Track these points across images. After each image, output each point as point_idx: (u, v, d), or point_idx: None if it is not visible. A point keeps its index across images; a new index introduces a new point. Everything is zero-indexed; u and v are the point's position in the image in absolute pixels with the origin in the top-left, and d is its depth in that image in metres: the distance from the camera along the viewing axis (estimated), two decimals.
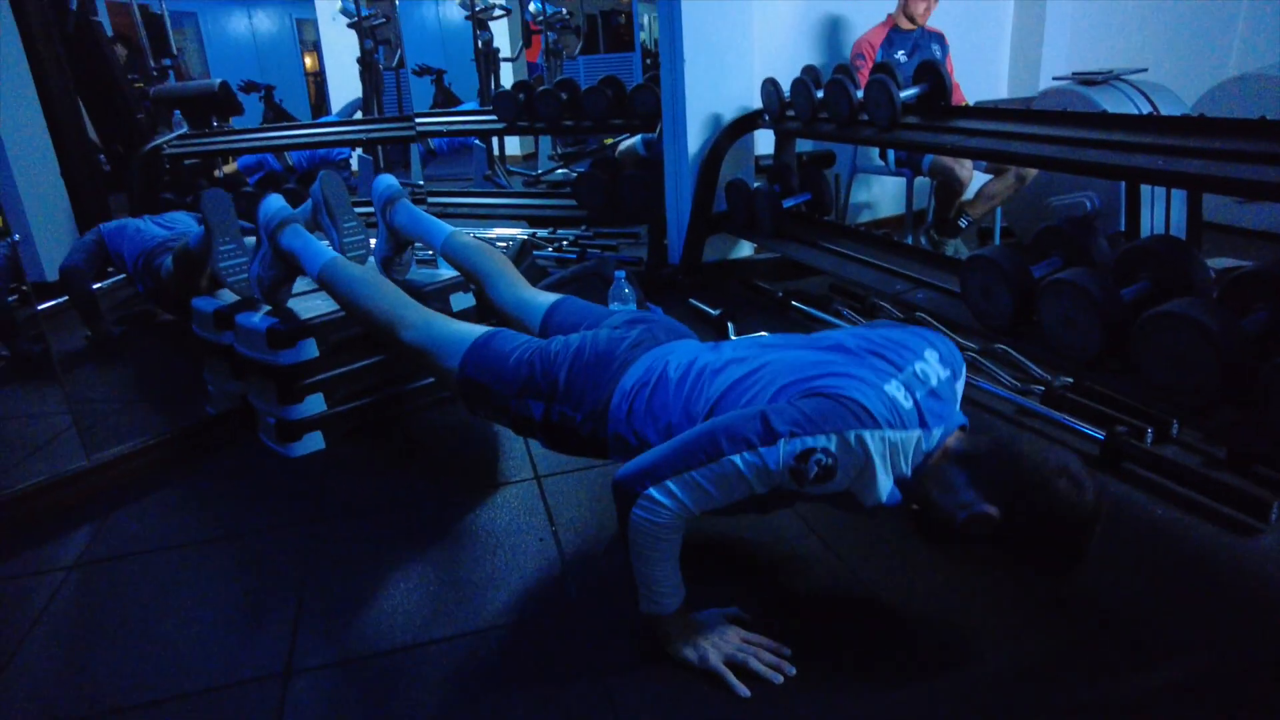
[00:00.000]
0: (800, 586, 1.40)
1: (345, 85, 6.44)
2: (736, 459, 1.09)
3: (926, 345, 1.27)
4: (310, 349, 1.93)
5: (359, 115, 5.70)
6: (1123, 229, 2.86)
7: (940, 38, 3.24)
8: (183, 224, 3.05)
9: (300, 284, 2.14)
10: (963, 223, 3.08)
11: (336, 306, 1.98)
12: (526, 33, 5.93)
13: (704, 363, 1.31)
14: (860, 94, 2.47)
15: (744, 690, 1.15)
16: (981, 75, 3.58)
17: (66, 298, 3.12)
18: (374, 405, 2.07)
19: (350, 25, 4.56)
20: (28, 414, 2.37)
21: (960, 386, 1.30)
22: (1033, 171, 3.03)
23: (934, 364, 1.23)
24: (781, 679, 1.17)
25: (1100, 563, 1.40)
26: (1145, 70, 3.15)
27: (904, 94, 2.33)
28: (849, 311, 2.61)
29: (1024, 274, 1.77)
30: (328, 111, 7.66)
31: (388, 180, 2.12)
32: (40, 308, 3.38)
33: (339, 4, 4.87)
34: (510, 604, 1.38)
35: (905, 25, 3.15)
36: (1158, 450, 1.70)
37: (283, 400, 1.94)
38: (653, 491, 1.11)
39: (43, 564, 1.57)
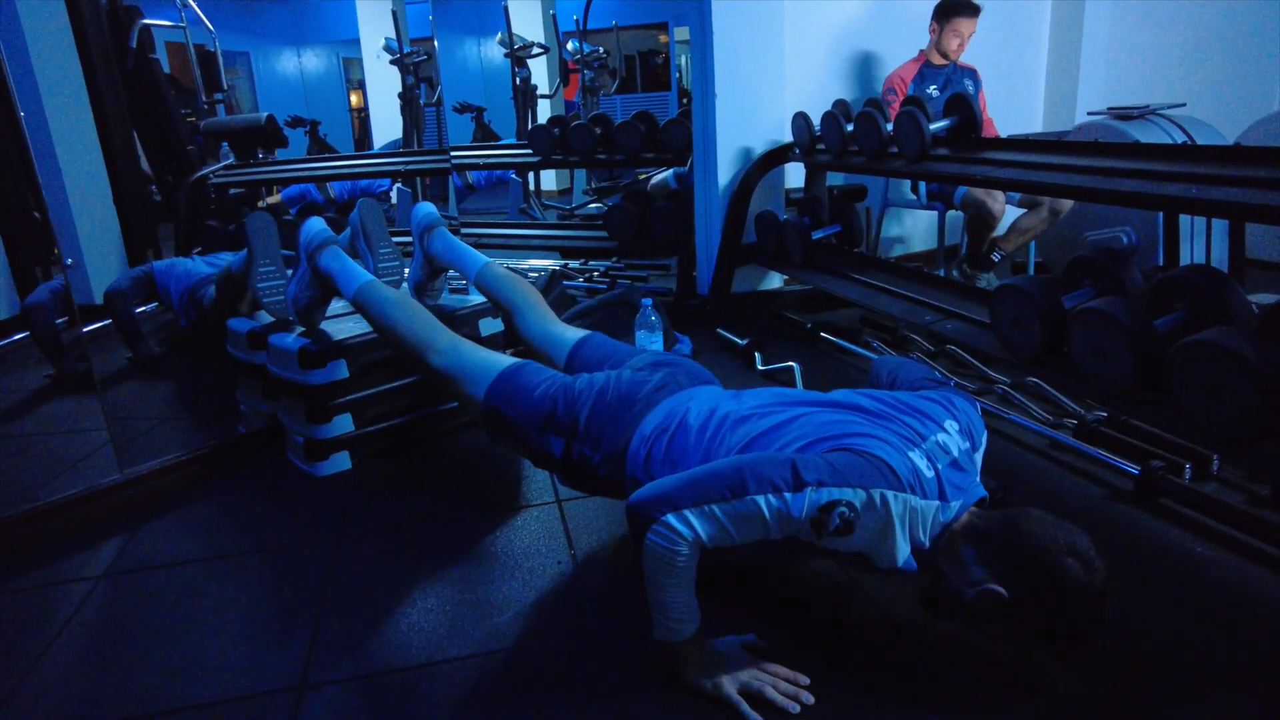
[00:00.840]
0: (821, 615, 1.37)
1: (388, 121, 6.63)
2: (760, 500, 1.08)
3: (947, 415, 1.27)
4: (340, 370, 1.96)
5: None
6: (1160, 264, 2.81)
7: (973, 73, 3.24)
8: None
9: (333, 307, 2.19)
10: (995, 257, 3.05)
11: (367, 329, 2.02)
12: (564, 71, 6.06)
13: (725, 411, 1.31)
14: (890, 127, 2.48)
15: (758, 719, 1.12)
16: (1016, 111, 3.57)
17: (110, 320, 3.21)
18: (400, 427, 2.10)
19: (392, 62, 4.70)
20: (68, 429, 2.44)
21: (979, 458, 1.29)
22: (1067, 205, 3.00)
23: (954, 435, 1.24)
24: (798, 709, 1.14)
25: (1138, 601, 1.36)
26: (1184, 105, 3.11)
27: (934, 126, 2.33)
28: (878, 344, 2.58)
29: (1054, 304, 1.74)
30: (370, 145, 7.88)
31: (427, 208, 2.18)
32: (86, 329, 3.50)
33: (382, 41, 5.02)
34: (527, 626, 1.37)
35: (938, 61, 3.16)
36: (1197, 486, 1.64)
37: (311, 419, 1.96)
38: (670, 519, 1.10)
39: (73, 573, 1.60)
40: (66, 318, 3.71)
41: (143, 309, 3.79)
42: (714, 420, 1.30)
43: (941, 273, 3.10)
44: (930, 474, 1.14)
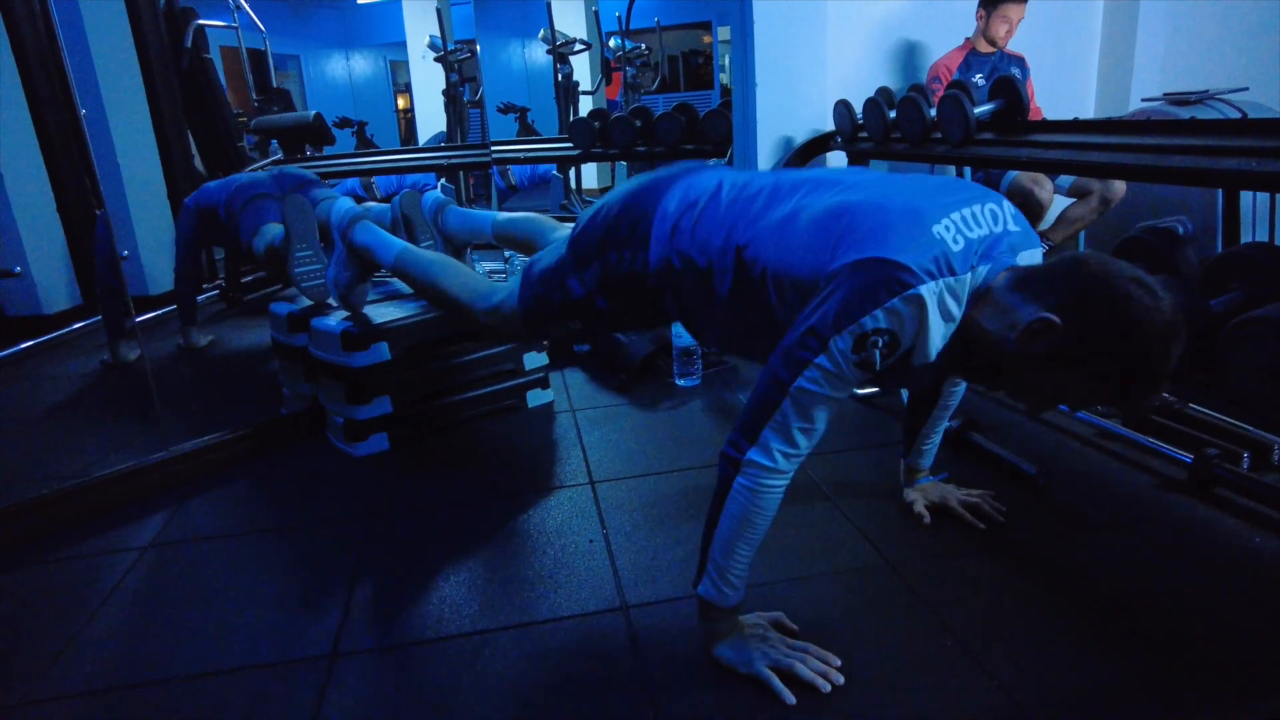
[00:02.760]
0: (854, 599, 1.35)
1: (432, 120, 6.73)
2: (804, 382, 1.04)
3: (983, 196, 1.13)
4: (382, 352, 1.99)
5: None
6: (1219, 251, 2.70)
7: (1021, 61, 3.16)
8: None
9: (372, 294, 2.22)
10: (1044, 247, 2.96)
11: (408, 314, 2.05)
12: (606, 69, 6.08)
13: (758, 186, 1.26)
14: (934, 112, 2.42)
15: (790, 696, 1.10)
16: (1066, 99, 3.46)
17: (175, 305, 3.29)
18: (438, 409, 2.11)
19: (437, 59, 4.76)
20: (122, 411, 2.51)
21: (1018, 227, 1.13)
22: (1118, 194, 2.91)
23: (987, 211, 1.10)
24: (830, 687, 1.12)
25: (1192, 592, 1.31)
26: (1246, 89, 2.99)
27: (978, 109, 2.27)
28: None
29: None
30: (415, 143, 8.01)
31: (434, 194, 2.21)
32: (139, 319, 3.61)
33: (427, 39, 5.10)
34: (558, 602, 1.37)
35: (984, 49, 3.09)
36: (1256, 476, 1.57)
37: (351, 400, 1.99)
38: (753, 455, 1.08)
39: (120, 543, 1.65)
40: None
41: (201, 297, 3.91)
42: (745, 195, 1.25)
43: None
44: (959, 246, 1.03)
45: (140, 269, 3.84)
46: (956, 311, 1.04)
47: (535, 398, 2.27)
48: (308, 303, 2.21)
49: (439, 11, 4.89)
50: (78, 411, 2.61)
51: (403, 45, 9.51)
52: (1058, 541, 1.47)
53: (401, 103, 10.40)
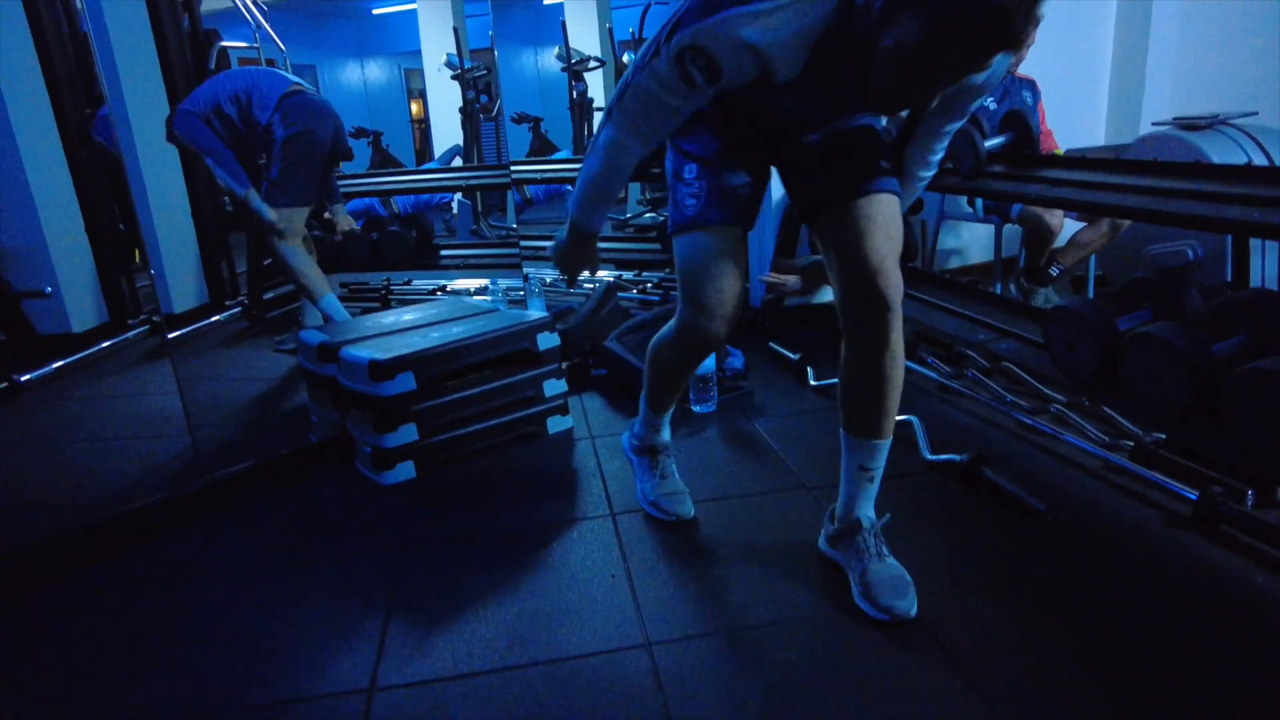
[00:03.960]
0: (839, 644, 1.40)
1: (448, 131, 6.80)
2: (639, 78, 1.23)
3: None
4: (408, 381, 2.06)
5: (458, 160, 6.01)
6: (1229, 279, 2.74)
7: (1031, 84, 3.20)
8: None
9: (399, 320, 2.29)
10: (1054, 271, 3.01)
11: (432, 343, 2.12)
12: (618, 65, 6.13)
13: None
14: (987, 145, 2.47)
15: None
16: (1077, 122, 3.50)
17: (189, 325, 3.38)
18: (462, 437, 2.18)
19: (454, 77, 4.83)
20: (155, 434, 2.59)
21: None
22: (1127, 219, 2.95)
23: None
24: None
25: (1196, 631, 1.35)
26: (1256, 114, 3.03)
27: (989, 143, 2.32)
28: (934, 359, 2.58)
29: (1109, 327, 1.73)
30: (431, 155, 8.09)
31: None
32: (170, 336, 3.70)
33: (444, 56, 5.16)
34: (583, 638, 1.43)
35: None
36: (1261, 514, 1.62)
37: (378, 429, 2.06)
38: (604, 136, 1.35)
39: (152, 574, 1.72)
40: (147, 325, 3.93)
41: (218, 317, 3.99)
42: None
43: (998, 287, 3.08)
44: None
45: (166, 286, 3.93)
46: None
47: (555, 424, 2.34)
48: (337, 333, 2.28)
49: (456, 31, 4.95)
50: (114, 433, 2.68)
51: (417, 54, 9.58)
52: (1066, 579, 1.52)
53: (416, 109, 10.51)
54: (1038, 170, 2.18)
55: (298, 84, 3.00)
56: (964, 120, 1.41)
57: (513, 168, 4.05)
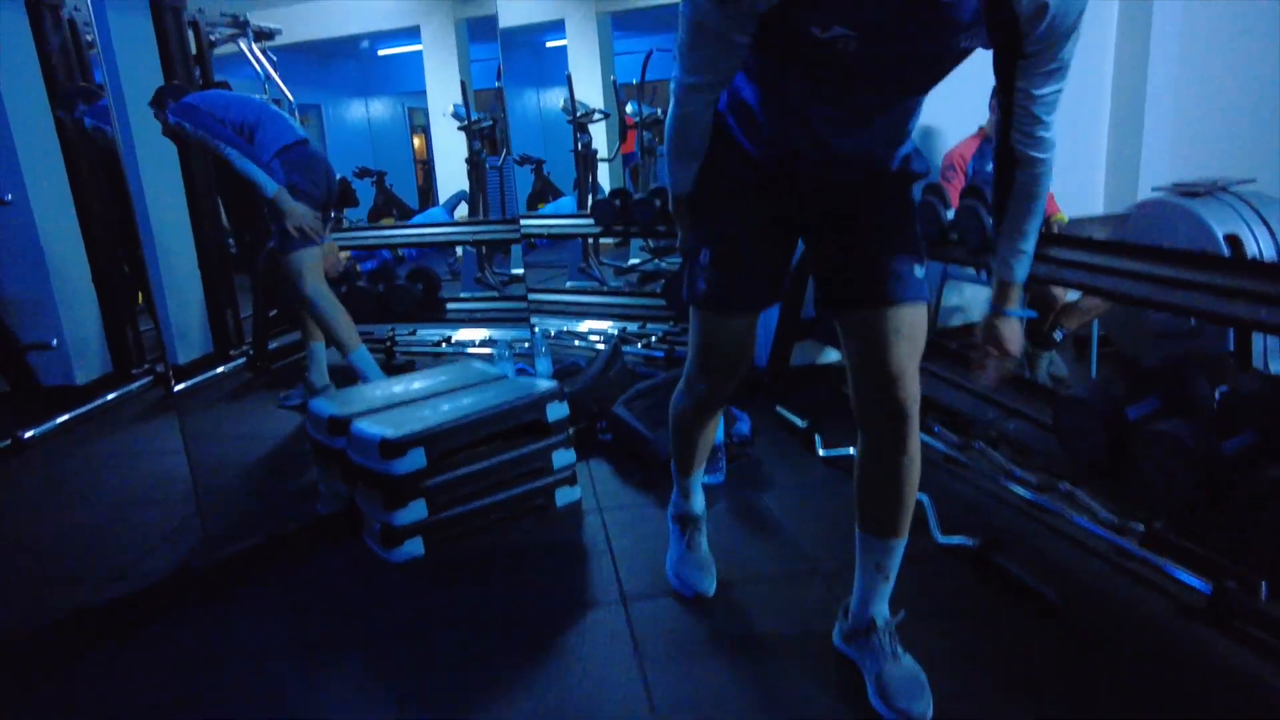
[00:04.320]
0: None
1: (452, 173, 6.85)
2: (684, 5, 1.18)
3: None
4: (419, 458, 2.06)
5: (464, 207, 6.06)
6: (1231, 348, 2.76)
7: None
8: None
9: (409, 390, 2.30)
10: (1058, 335, 3.03)
11: (443, 418, 2.12)
12: (623, 128, 6.21)
13: None
14: (950, 214, 2.51)
15: None
16: (1077, 185, 3.55)
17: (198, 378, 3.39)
18: (471, 513, 2.18)
19: (461, 128, 4.89)
20: (159, 499, 2.58)
21: None
22: None
23: None
24: None
25: None
26: (1254, 181, 3.07)
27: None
28: (941, 428, 2.59)
29: (1118, 417, 1.75)
30: (434, 195, 8.16)
31: None
32: (177, 389, 3.70)
33: (450, 107, 5.23)
34: None
35: None
36: (1275, 607, 1.62)
37: (388, 507, 2.06)
38: (673, 80, 1.32)
39: (158, 662, 1.71)
40: (151, 376, 3.93)
41: (222, 368, 3.99)
42: None
43: None
44: None
45: (172, 336, 3.93)
46: None
47: (564, 495, 2.34)
48: (348, 405, 2.28)
49: (463, 85, 5.02)
50: (116, 497, 2.68)
51: (421, 93, 9.70)
52: (1078, 675, 1.52)
53: (418, 143, 10.61)
54: (1045, 248, 2.21)
55: (304, 137, 3.02)
56: (1051, 86, 1.18)
57: (522, 221, 4.07)
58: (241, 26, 4.41)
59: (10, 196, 3.31)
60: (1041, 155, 1.27)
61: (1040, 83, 1.17)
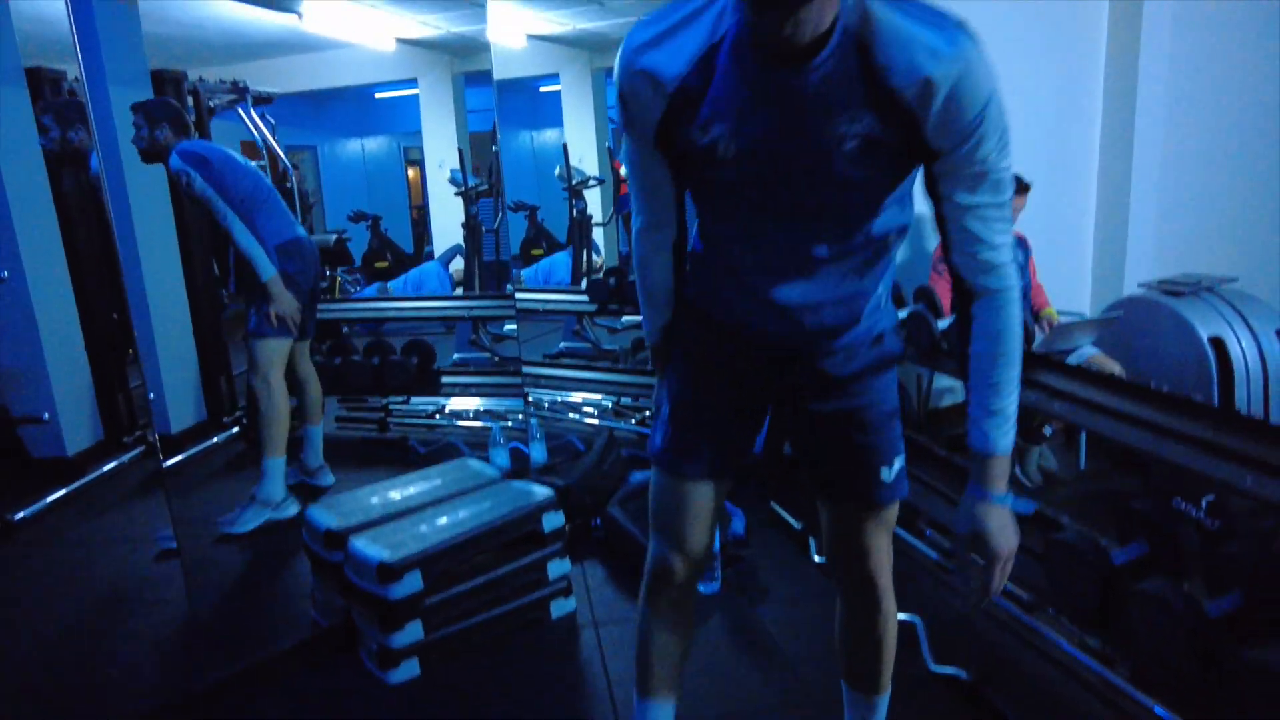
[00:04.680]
0: None
1: (447, 222, 6.88)
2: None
3: None
4: (415, 581, 2.07)
5: (459, 261, 6.09)
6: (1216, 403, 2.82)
7: (1022, 242, 3.31)
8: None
9: (409, 498, 2.31)
10: (1047, 430, 3.08)
11: (442, 537, 2.13)
12: (617, 180, 6.28)
13: None
14: (941, 325, 2.55)
15: None
16: (1064, 277, 3.62)
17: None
18: (467, 630, 2.18)
19: (458, 194, 4.93)
20: (150, 599, 2.57)
21: None
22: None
23: None
24: None
25: None
26: (1236, 280, 3.15)
27: None
28: (933, 532, 2.62)
29: (1104, 562, 1.78)
30: (428, 234, 8.18)
31: None
32: (167, 463, 3.69)
33: (447, 172, 5.28)
34: None
35: None
36: None
37: (385, 629, 2.07)
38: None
39: None
40: (143, 446, 3.90)
41: (216, 439, 3.98)
42: None
43: None
44: None
45: (164, 408, 3.93)
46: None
47: (559, 607, 2.35)
48: (344, 515, 2.28)
49: (461, 152, 5.07)
50: (106, 591, 2.65)
51: (417, 133, 9.77)
52: None
53: (412, 173, 10.67)
54: (1036, 373, 2.25)
55: (302, 235, 3.04)
56: (984, 196, 1.05)
57: (518, 295, 4.09)
58: (241, 93, 4.44)
59: (6, 273, 3.30)
60: (996, 285, 1.09)
61: (966, 190, 1.05)
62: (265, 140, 4.47)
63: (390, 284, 5.80)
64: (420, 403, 4.08)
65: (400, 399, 4.07)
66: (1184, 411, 1.88)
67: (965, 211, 1.06)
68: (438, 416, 4.04)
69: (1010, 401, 1.11)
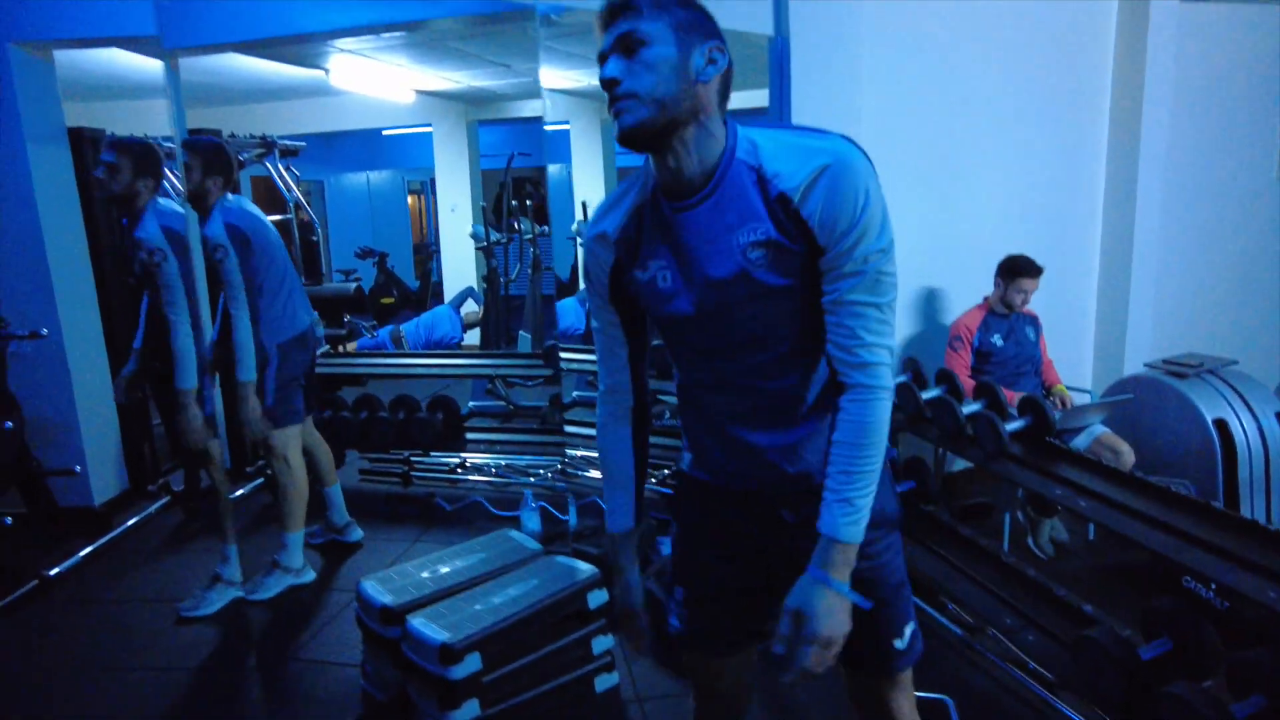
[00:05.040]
0: None
1: (458, 260, 6.98)
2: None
3: None
4: (475, 662, 2.15)
5: (471, 303, 6.19)
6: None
7: (1034, 319, 3.47)
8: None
9: (456, 570, 2.39)
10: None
11: (500, 616, 2.22)
12: None
13: None
14: (965, 410, 2.69)
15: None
16: (1068, 354, 3.78)
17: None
18: (518, 708, 2.27)
19: (479, 248, 5.04)
20: (191, 663, 2.62)
21: None
22: (1129, 462, 3.18)
23: None
24: None
25: None
26: (1236, 362, 3.32)
27: (1010, 426, 2.54)
28: (955, 607, 2.73)
29: (1132, 658, 1.90)
30: (432, 276, 8.27)
31: None
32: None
33: (469, 228, 5.39)
34: None
35: (1001, 311, 3.40)
36: None
37: (444, 707, 2.15)
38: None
39: None
40: (168, 496, 3.92)
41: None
42: None
43: (1006, 516, 3.25)
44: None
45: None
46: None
47: (602, 682, 2.43)
48: (397, 591, 2.36)
49: (485, 209, 5.19)
50: (143, 660, 2.66)
51: (418, 169, 9.88)
52: None
53: (413, 202, 10.78)
54: (1057, 466, 2.39)
55: (310, 324, 3.02)
56: (863, 295, 1.11)
57: (562, 354, 3.96)
58: (269, 147, 4.54)
59: (46, 331, 3.37)
60: (867, 381, 1.12)
61: (846, 286, 1.10)
62: (295, 197, 4.56)
63: (403, 327, 5.87)
64: (442, 458, 4.16)
65: (420, 451, 4.14)
66: (1191, 511, 2.02)
67: (842, 307, 1.11)
68: (459, 471, 4.12)
69: (862, 493, 1.12)
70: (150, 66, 4.64)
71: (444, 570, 2.52)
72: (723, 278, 1.14)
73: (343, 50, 4.29)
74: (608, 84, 1.10)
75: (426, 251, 7.78)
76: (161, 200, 2.81)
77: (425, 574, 2.50)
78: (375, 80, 5.22)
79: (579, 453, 4.03)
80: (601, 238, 1.24)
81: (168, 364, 2.76)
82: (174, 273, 2.66)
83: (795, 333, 1.17)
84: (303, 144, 4.76)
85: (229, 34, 3.42)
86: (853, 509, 1.12)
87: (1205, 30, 3.82)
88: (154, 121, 5.54)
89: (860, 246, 1.08)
